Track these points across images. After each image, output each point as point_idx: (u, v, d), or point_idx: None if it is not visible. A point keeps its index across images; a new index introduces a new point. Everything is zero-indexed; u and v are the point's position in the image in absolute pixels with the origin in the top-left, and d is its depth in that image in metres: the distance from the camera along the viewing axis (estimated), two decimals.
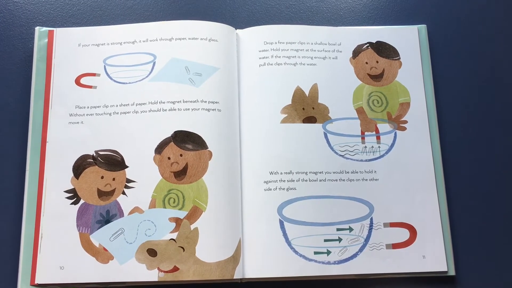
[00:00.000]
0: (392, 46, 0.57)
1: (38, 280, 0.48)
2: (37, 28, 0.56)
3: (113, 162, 0.51)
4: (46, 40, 0.56)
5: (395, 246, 0.50)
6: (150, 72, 0.54)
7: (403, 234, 0.51)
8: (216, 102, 0.53)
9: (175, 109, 0.52)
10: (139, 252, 0.49)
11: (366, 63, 0.57)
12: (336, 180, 0.52)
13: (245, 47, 0.56)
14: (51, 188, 0.51)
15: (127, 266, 0.48)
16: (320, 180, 0.52)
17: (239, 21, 0.59)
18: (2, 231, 0.51)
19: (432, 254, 0.50)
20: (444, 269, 0.50)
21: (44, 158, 0.52)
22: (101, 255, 0.49)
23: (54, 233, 0.50)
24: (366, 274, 0.50)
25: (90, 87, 0.54)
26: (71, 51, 0.55)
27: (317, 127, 0.54)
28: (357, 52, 0.57)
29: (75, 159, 0.52)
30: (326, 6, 0.61)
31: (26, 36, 0.58)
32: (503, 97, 0.57)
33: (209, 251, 0.49)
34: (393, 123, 0.55)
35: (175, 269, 0.48)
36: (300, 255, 0.49)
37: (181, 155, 0.51)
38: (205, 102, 0.53)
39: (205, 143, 0.52)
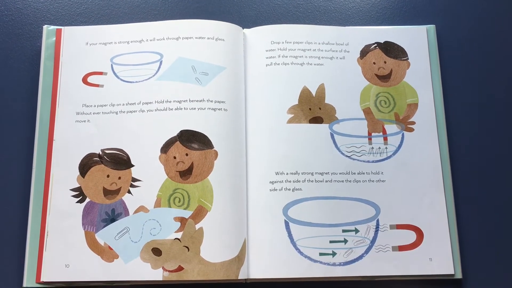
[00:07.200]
0: (400, 46, 0.57)
1: (43, 278, 0.49)
2: (45, 27, 0.56)
3: (119, 161, 0.52)
4: (54, 38, 0.56)
5: (402, 248, 0.50)
6: (157, 71, 0.54)
7: (409, 236, 0.50)
8: (222, 102, 0.53)
9: (181, 109, 0.52)
10: (144, 251, 0.49)
11: (374, 63, 0.56)
12: (342, 181, 0.52)
13: (252, 46, 0.56)
14: (57, 186, 0.51)
15: (132, 265, 0.49)
16: (326, 181, 0.52)
17: (246, 20, 0.59)
18: (9, 228, 0.52)
19: (439, 257, 0.50)
20: (451, 272, 0.49)
21: (50, 156, 0.52)
22: (106, 253, 0.49)
23: (60, 231, 0.50)
24: (372, 276, 0.49)
25: (97, 85, 0.54)
26: (79, 49, 0.56)
27: (323, 127, 0.53)
28: (364, 52, 0.56)
29: (82, 158, 0.52)
30: (334, 5, 0.60)
31: (34, 34, 0.58)
32: None
33: (214, 251, 0.48)
34: (400, 124, 0.54)
35: (180, 268, 0.48)
36: (305, 256, 0.49)
37: (186, 155, 0.51)
38: (211, 101, 0.52)
39: (211, 142, 0.51)
